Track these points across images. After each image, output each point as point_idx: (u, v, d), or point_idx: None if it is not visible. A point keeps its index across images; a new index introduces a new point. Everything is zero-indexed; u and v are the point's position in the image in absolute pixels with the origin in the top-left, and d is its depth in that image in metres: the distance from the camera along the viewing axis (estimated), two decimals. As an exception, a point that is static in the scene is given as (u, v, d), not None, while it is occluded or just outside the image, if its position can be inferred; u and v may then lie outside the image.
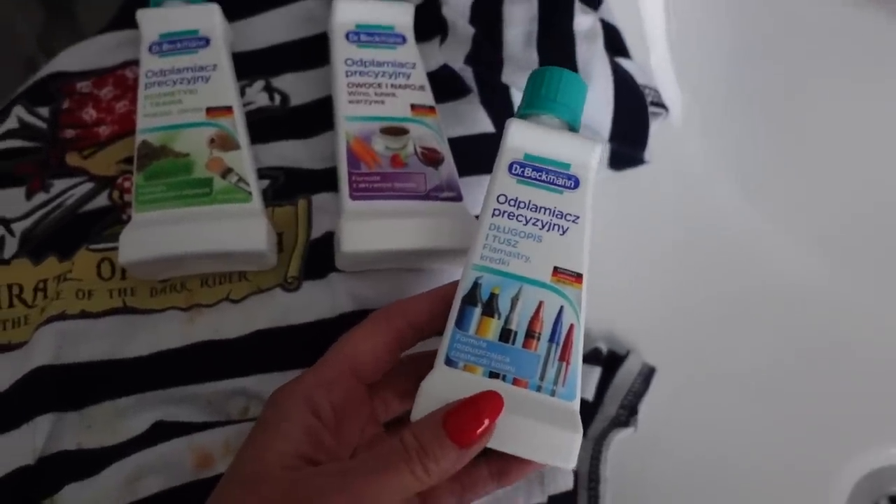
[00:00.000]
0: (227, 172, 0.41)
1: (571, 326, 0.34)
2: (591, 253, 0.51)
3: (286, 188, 0.43)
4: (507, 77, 0.46)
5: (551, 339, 0.34)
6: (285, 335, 0.40)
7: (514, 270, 0.35)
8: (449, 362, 0.33)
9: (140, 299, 0.41)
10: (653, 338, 0.53)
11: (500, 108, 0.47)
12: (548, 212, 0.35)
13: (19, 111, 0.46)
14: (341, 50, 0.44)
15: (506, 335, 0.34)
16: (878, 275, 0.54)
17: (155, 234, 0.38)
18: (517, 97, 0.47)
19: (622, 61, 0.49)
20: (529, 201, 0.35)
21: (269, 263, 0.41)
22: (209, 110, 0.43)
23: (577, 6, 0.48)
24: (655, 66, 0.54)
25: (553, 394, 0.33)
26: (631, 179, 0.51)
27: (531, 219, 0.35)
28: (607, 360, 0.51)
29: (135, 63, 0.47)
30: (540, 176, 0.36)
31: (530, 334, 0.34)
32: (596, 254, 0.52)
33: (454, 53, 0.46)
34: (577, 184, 0.36)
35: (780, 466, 0.50)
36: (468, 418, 0.30)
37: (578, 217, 0.35)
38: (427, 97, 0.44)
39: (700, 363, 0.53)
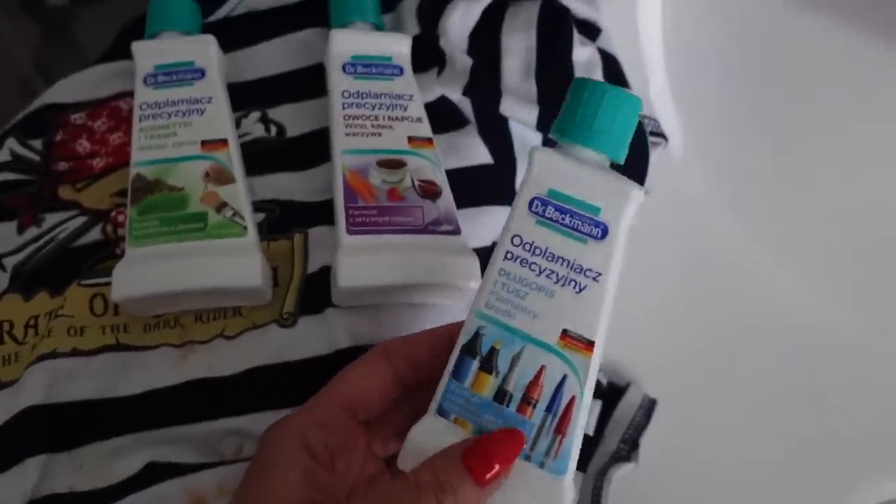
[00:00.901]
0: (221, 206, 0.40)
1: (573, 399, 0.31)
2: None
3: (281, 221, 0.43)
4: (505, 108, 0.46)
5: (548, 409, 0.31)
6: (280, 372, 0.39)
7: (519, 326, 0.32)
8: (441, 412, 0.32)
9: (133, 336, 0.40)
10: (653, 369, 0.52)
11: (498, 140, 0.46)
12: (566, 264, 0.31)
13: (12, 143, 0.45)
14: (338, 81, 0.44)
15: (501, 395, 0.31)
16: (880, 304, 0.53)
17: (148, 270, 0.38)
18: (515, 128, 0.47)
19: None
20: (546, 249, 0.32)
21: (264, 299, 0.40)
22: (204, 143, 0.42)
23: (576, 37, 0.48)
24: (654, 95, 0.53)
25: (542, 466, 0.31)
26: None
27: (545, 269, 0.32)
28: (607, 393, 0.51)
29: (130, 94, 0.46)
30: (563, 219, 0.31)
31: (527, 400, 0.31)
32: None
33: (452, 85, 0.46)
34: (604, 233, 0.31)
35: (784, 501, 0.49)
36: (489, 454, 0.29)
37: (600, 275, 0.31)
38: (424, 129, 0.44)
39: (702, 395, 0.52)
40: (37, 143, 0.46)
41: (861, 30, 0.49)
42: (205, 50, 0.45)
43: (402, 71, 0.45)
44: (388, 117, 0.44)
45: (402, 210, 0.41)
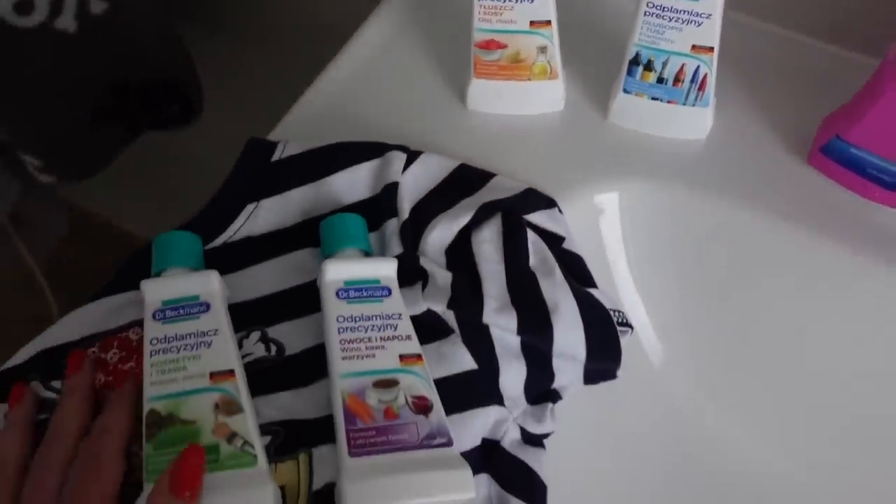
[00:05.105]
0: (232, 437, 0.43)
1: (706, 75, 0.55)
2: (573, 465, 0.54)
3: (287, 443, 0.46)
4: (487, 317, 0.50)
5: (692, 81, 0.55)
6: None
7: (662, 47, 0.54)
8: (625, 91, 0.58)
9: None
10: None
11: (480, 346, 0.50)
12: (686, 12, 0.52)
13: (36, 387, 0.48)
14: (332, 308, 0.48)
15: (660, 80, 0.56)
16: (829, 461, 0.58)
17: (167, 509, 0.41)
18: (496, 333, 0.50)
19: (590, 291, 0.54)
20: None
21: (275, 524, 0.43)
22: (212, 375, 0.45)
23: (530, 244, 0.53)
24: (620, 290, 0.59)
25: (693, 105, 0.57)
26: (602, 390, 0.55)
27: (675, 17, 0.53)
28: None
29: (137, 324, 0.50)
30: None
31: (677, 79, 0.56)
32: (577, 466, 0.55)
33: (436, 299, 0.50)
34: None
35: None
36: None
37: (711, 14, 0.52)
38: (414, 346, 0.48)
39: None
40: (57, 384, 0.49)
41: (798, 225, 0.55)
42: (208, 284, 0.49)
43: (390, 292, 0.50)
44: (380, 338, 0.47)
45: (397, 428, 0.44)
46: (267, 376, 0.48)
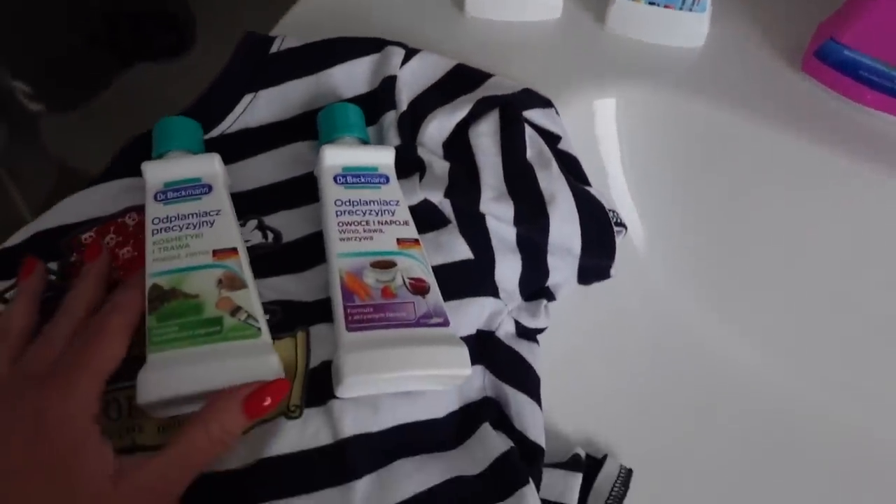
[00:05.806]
0: (235, 310, 0.44)
1: None
2: (566, 363, 0.55)
3: (284, 322, 0.46)
4: (483, 207, 0.50)
5: None
6: (288, 463, 0.42)
7: None
8: None
9: (148, 436, 0.43)
10: (627, 441, 0.56)
11: (476, 236, 0.51)
12: None
13: None
14: (330, 192, 0.49)
15: None
16: (828, 371, 0.59)
17: (171, 374, 0.41)
18: (492, 224, 0.51)
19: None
20: None
21: (277, 394, 0.44)
22: (216, 252, 0.46)
23: (528, 137, 0.53)
24: (614, 191, 0.59)
25: (691, 9, 0.57)
26: (596, 290, 0.56)
27: None
28: (586, 466, 0.54)
29: (134, 210, 0.50)
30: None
31: None
32: (570, 363, 0.56)
33: (433, 189, 0.51)
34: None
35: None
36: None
37: None
38: (411, 231, 0.48)
39: (673, 461, 0.56)
40: (53, 265, 0.49)
41: (790, 130, 0.56)
42: (211, 166, 0.49)
43: (388, 179, 0.50)
44: (378, 222, 0.48)
45: (395, 306, 0.45)
46: (264, 262, 0.49)
